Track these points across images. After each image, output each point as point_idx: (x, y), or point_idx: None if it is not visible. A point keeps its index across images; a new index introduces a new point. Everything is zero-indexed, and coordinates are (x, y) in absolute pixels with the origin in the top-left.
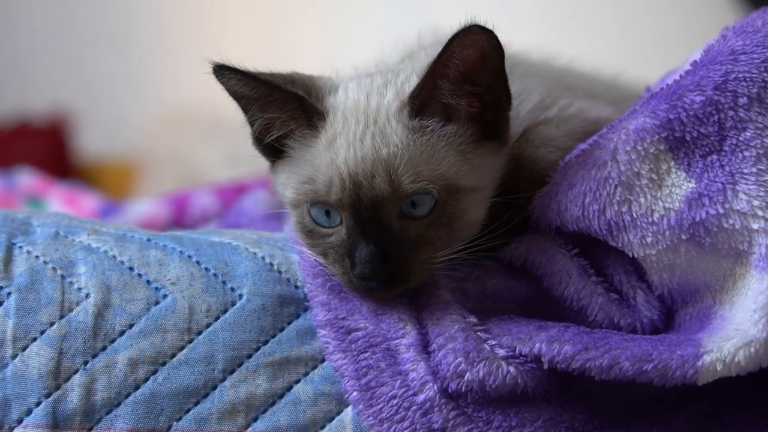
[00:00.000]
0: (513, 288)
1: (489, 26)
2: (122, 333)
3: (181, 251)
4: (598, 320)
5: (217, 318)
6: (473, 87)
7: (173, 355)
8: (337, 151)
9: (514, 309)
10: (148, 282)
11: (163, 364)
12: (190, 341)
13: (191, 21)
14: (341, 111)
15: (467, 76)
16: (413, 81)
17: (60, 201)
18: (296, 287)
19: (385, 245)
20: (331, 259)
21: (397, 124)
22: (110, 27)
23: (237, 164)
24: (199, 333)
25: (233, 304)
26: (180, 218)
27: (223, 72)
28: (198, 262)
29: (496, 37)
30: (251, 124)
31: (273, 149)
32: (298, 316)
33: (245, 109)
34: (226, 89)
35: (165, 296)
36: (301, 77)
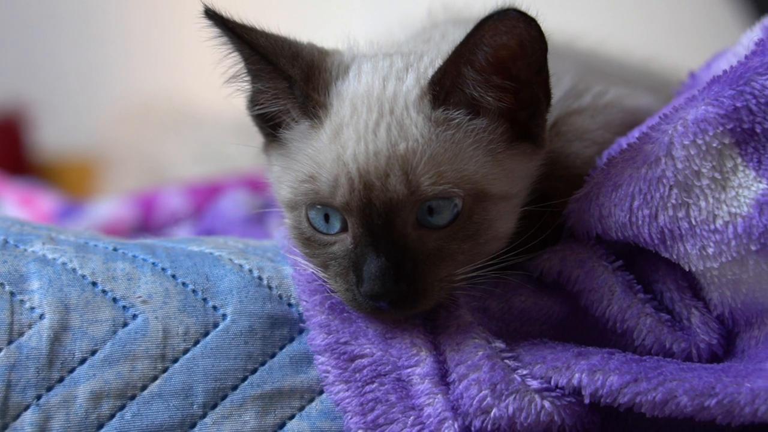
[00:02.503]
0: (545, 306)
1: (531, 12)
2: (83, 361)
3: (153, 263)
4: (647, 345)
5: (197, 342)
6: (504, 80)
7: (144, 387)
8: (344, 144)
9: (546, 331)
10: (115, 300)
11: (132, 397)
12: (165, 370)
13: (155, 7)
14: (350, 97)
15: (499, 67)
16: (437, 65)
17: (15, 202)
18: (290, 305)
19: (399, 258)
20: (333, 272)
21: (417, 114)
22: (68, 14)
23: (207, 161)
24: (175, 360)
25: (215, 325)
26: (147, 220)
27: (211, 23)
28: (174, 276)
29: (538, 26)
30: (250, 82)
31: (267, 123)
32: (291, 340)
33: (245, 63)
34: (217, 35)
35: (134, 317)
36: (311, 52)
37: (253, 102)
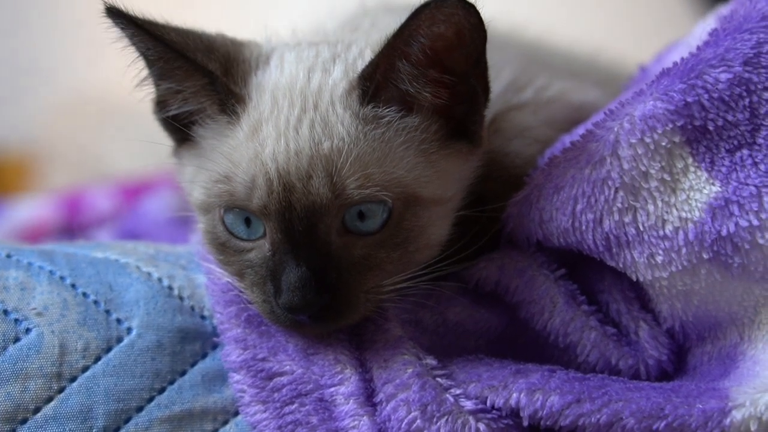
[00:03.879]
0: (481, 319)
1: None
2: None
3: (51, 271)
4: (591, 361)
5: (98, 359)
6: (441, 74)
7: (37, 410)
8: (262, 142)
9: (483, 346)
10: (6, 312)
11: (24, 421)
12: (61, 390)
13: None
14: (271, 90)
15: (434, 60)
16: (367, 57)
17: None
18: (203, 318)
19: (321, 268)
20: (249, 281)
21: (343, 110)
22: None
23: (147, 156)
24: (73, 379)
25: (119, 340)
26: (72, 222)
27: (115, 19)
28: (73, 286)
29: (477, 14)
30: (155, 85)
31: (176, 126)
32: (204, 356)
33: (148, 65)
34: (125, 38)
35: (27, 331)
36: (225, 44)
37: (162, 104)
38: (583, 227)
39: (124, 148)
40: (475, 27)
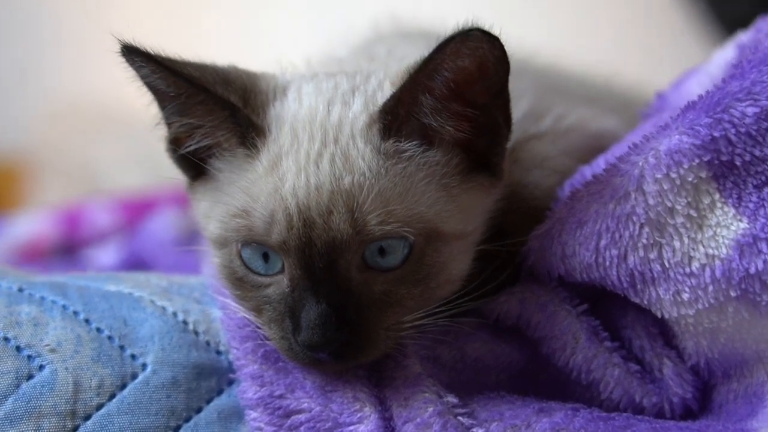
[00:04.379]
0: (501, 354)
1: (493, 31)
2: None
3: (64, 306)
4: (614, 398)
5: (113, 396)
6: (464, 107)
7: None
8: (282, 177)
9: (503, 382)
10: (18, 348)
11: None
12: (75, 429)
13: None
14: (290, 123)
15: (457, 93)
16: (387, 89)
17: None
18: (218, 353)
19: (342, 304)
20: (267, 318)
21: (364, 145)
22: None
23: (143, 167)
24: (87, 418)
25: (134, 377)
26: (72, 239)
27: (133, 58)
28: (87, 321)
29: (502, 47)
30: (167, 124)
31: (192, 162)
32: (220, 393)
33: (161, 104)
34: (136, 76)
35: (41, 368)
36: (240, 75)
37: (176, 141)
38: (607, 263)
39: (120, 158)
40: (499, 60)
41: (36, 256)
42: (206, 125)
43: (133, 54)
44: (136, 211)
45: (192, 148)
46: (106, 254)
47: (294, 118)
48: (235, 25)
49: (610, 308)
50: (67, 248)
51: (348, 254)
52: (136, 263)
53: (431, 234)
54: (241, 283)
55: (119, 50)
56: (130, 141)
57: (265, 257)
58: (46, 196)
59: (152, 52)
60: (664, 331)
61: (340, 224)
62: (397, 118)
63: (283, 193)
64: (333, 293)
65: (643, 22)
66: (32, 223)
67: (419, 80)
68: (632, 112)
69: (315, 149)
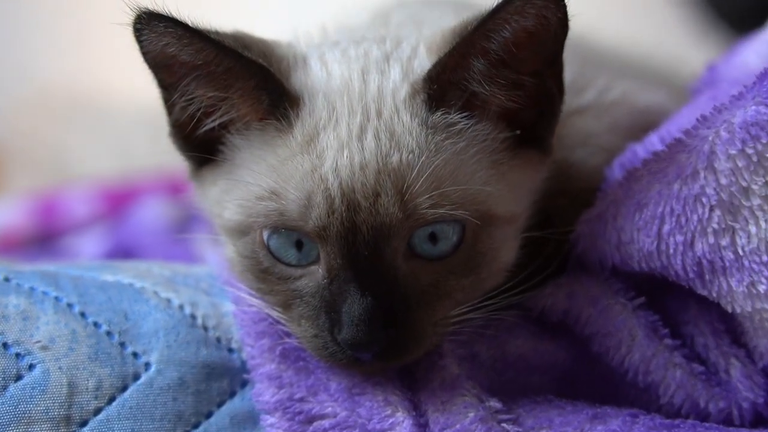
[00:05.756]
0: (546, 353)
1: None
2: None
3: (56, 297)
4: (676, 403)
5: (112, 400)
6: (518, 74)
7: None
8: (321, 154)
9: (547, 383)
10: (5, 345)
11: None
12: None
13: None
14: (323, 93)
15: (513, 58)
16: (422, 54)
17: None
18: (230, 351)
19: (388, 298)
20: (297, 313)
21: (410, 118)
22: None
23: (118, 156)
24: (84, 424)
25: (136, 377)
26: (48, 228)
27: (155, 24)
28: (83, 314)
29: (565, 8)
30: (173, 104)
31: (200, 146)
32: (232, 395)
33: (172, 83)
34: (146, 51)
35: (31, 367)
36: (255, 41)
37: (188, 122)
38: (671, 251)
39: (91, 145)
40: (561, 22)
41: (9, 246)
42: (232, 97)
43: (156, 20)
44: (117, 199)
45: (209, 126)
46: (89, 243)
47: (327, 88)
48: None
49: (669, 301)
50: (43, 238)
51: (395, 241)
52: (123, 253)
53: (484, 217)
54: (265, 275)
55: (136, 19)
56: (101, 128)
57: (298, 245)
58: (16, 184)
59: (177, 17)
60: (731, 328)
61: (388, 207)
62: (443, 85)
63: (323, 172)
64: (378, 285)
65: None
66: (4, 213)
67: (474, 41)
68: (674, 86)
69: (357, 123)
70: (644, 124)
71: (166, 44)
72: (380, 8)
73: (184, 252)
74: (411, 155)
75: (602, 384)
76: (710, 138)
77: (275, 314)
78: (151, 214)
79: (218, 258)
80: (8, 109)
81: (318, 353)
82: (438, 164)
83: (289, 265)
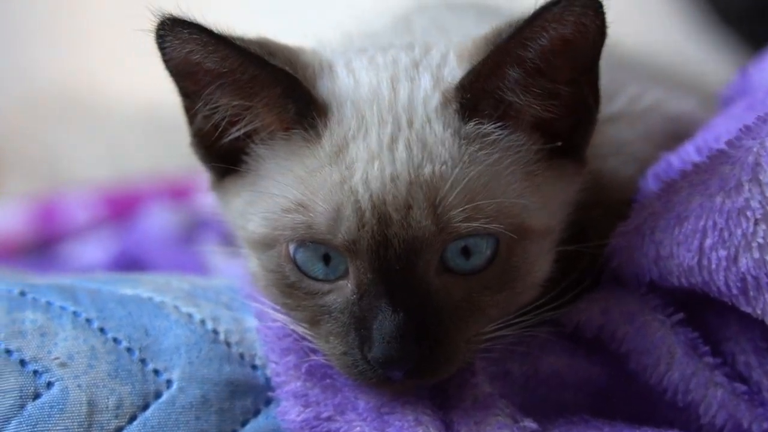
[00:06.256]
0: (580, 370)
1: None
2: None
3: (75, 312)
4: (717, 424)
5: (133, 419)
6: (554, 83)
7: None
8: (350, 165)
9: (581, 401)
10: (23, 362)
11: None
12: None
13: None
14: (352, 102)
15: (550, 66)
16: (452, 62)
17: None
18: (254, 368)
19: (420, 314)
20: (325, 330)
21: (443, 128)
22: None
23: (114, 159)
24: None
25: (158, 395)
26: (47, 234)
27: (179, 30)
28: (102, 330)
29: (604, 15)
30: (195, 113)
31: (223, 157)
32: (257, 414)
33: (195, 91)
34: (169, 58)
35: (49, 385)
36: (279, 48)
37: (206, 135)
38: (713, 266)
39: (86, 149)
40: (599, 29)
41: (7, 252)
42: (257, 106)
43: (180, 26)
44: (119, 204)
45: (233, 136)
46: (91, 250)
47: (355, 96)
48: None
49: (709, 318)
50: (42, 244)
51: (427, 255)
52: (129, 261)
53: (519, 230)
54: (291, 290)
55: (159, 25)
56: (96, 130)
57: (325, 259)
58: (10, 186)
59: (203, 24)
60: None
61: (421, 220)
62: (477, 95)
63: (353, 184)
64: (410, 300)
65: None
66: (1, 218)
67: (509, 49)
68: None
69: (387, 133)
70: (677, 132)
71: (190, 51)
72: (400, 13)
73: (193, 261)
74: (444, 166)
75: (639, 402)
76: (755, 149)
77: (301, 330)
78: (158, 222)
79: (238, 270)
80: (2, 111)
81: (347, 371)
82: (472, 176)
83: (316, 279)
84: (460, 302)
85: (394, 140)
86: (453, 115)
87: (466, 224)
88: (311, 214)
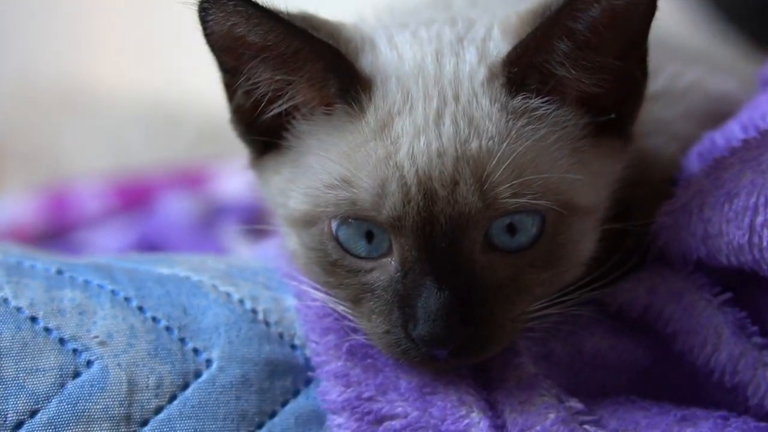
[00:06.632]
0: (625, 350)
1: None
2: (19, 425)
3: (113, 291)
4: (766, 405)
5: (173, 398)
6: (605, 57)
7: None
8: (395, 140)
9: (625, 383)
10: (62, 341)
11: None
12: None
13: None
14: (396, 76)
15: (600, 39)
16: (497, 37)
17: None
18: (293, 347)
19: (466, 292)
20: (368, 308)
21: (490, 103)
22: None
23: (115, 153)
24: (145, 423)
25: (198, 375)
26: (60, 224)
27: (223, 3)
28: (141, 309)
29: None
30: (235, 89)
31: (263, 133)
32: (296, 394)
33: (236, 66)
34: (211, 31)
35: (89, 363)
36: (321, 22)
37: (248, 110)
38: (765, 244)
39: (87, 142)
40: (650, 1)
41: (20, 242)
42: (300, 81)
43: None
44: (131, 194)
45: (274, 112)
46: (107, 238)
47: (400, 71)
48: None
49: (756, 297)
50: (54, 234)
51: (473, 232)
52: (148, 248)
53: (565, 207)
54: (333, 268)
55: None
56: (95, 124)
57: (369, 236)
58: (11, 180)
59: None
60: None
61: (467, 196)
62: (524, 69)
63: (398, 159)
64: (456, 278)
65: None
66: (13, 207)
67: (559, 21)
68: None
69: (433, 108)
70: (718, 111)
71: (234, 24)
72: None
73: (215, 246)
74: (491, 142)
75: (685, 384)
76: None
77: (342, 309)
78: (176, 209)
79: (269, 251)
80: (3, 105)
81: (390, 350)
82: (519, 151)
83: (359, 257)
84: (505, 281)
85: (440, 115)
86: (499, 89)
87: (513, 200)
88: (355, 190)
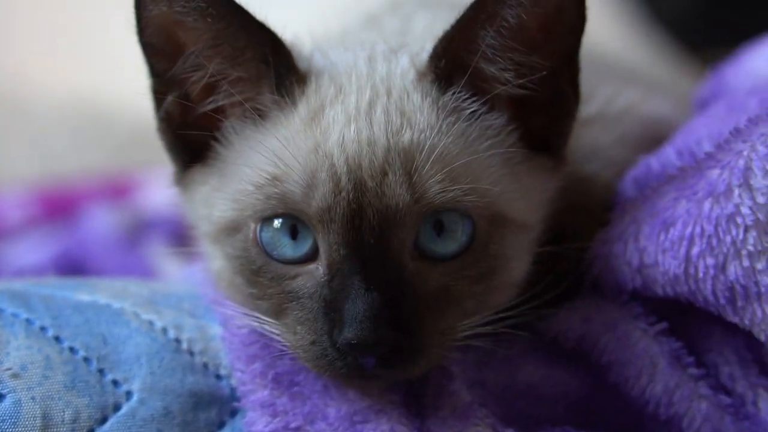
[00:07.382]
0: (559, 381)
1: None
2: None
3: (28, 319)
4: None
5: None
6: (528, 55)
7: None
8: (326, 129)
9: (561, 414)
10: None
11: None
12: None
13: None
14: (329, 74)
15: (525, 37)
16: (429, 48)
17: None
18: (218, 377)
19: (395, 296)
20: (293, 318)
21: (421, 98)
22: None
23: (42, 158)
24: None
25: (117, 408)
26: None
27: None
28: (57, 339)
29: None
30: (164, 94)
31: (195, 142)
32: (221, 426)
33: (168, 68)
34: (147, 23)
35: (1, 398)
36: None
37: (172, 116)
38: (701, 275)
39: (14, 146)
40: (578, 11)
41: None
42: (235, 71)
43: None
44: (55, 204)
45: (209, 108)
46: (28, 251)
47: (333, 70)
48: None
49: (692, 328)
50: None
51: (402, 231)
52: (71, 263)
53: (496, 216)
54: (257, 277)
55: None
56: (24, 128)
57: (293, 233)
58: None
59: None
60: (758, 358)
61: (396, 188)
62: (451, 62)
63: (328, 148)
64: (384, 280)
65: None
66: None
67: (483, 8)
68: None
69: (365, 99)
70: (653, 135)
71: (174, 10)
72: (375, 11)
73: (140, 264)
74: (422, 135)
75: (621, 415)
76: (745, 153)
77: (268, 326)
78: (101, 222)
79: (195, 276)
80: None
81: (315, 364)
82: (449, 146)
83: (283, 262)
84: (435, 291)
85: (372, 105)
86: (430, 85)
87: (441, 195)
88: (285, 185)
